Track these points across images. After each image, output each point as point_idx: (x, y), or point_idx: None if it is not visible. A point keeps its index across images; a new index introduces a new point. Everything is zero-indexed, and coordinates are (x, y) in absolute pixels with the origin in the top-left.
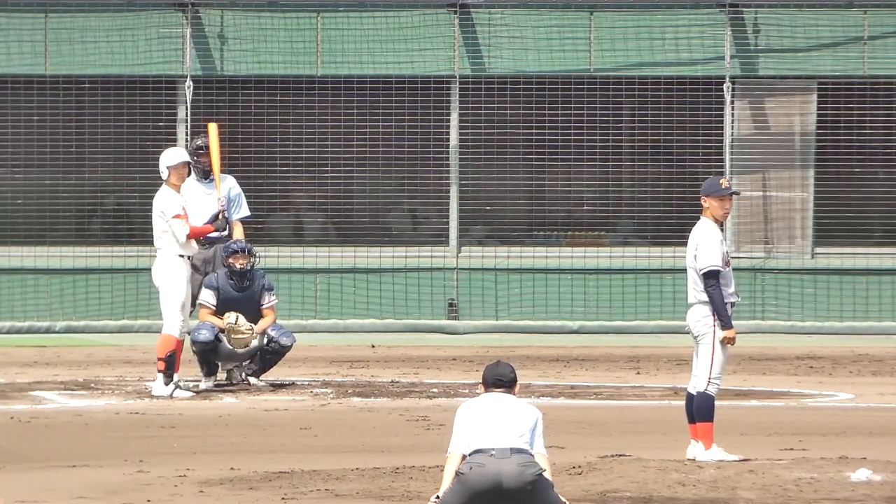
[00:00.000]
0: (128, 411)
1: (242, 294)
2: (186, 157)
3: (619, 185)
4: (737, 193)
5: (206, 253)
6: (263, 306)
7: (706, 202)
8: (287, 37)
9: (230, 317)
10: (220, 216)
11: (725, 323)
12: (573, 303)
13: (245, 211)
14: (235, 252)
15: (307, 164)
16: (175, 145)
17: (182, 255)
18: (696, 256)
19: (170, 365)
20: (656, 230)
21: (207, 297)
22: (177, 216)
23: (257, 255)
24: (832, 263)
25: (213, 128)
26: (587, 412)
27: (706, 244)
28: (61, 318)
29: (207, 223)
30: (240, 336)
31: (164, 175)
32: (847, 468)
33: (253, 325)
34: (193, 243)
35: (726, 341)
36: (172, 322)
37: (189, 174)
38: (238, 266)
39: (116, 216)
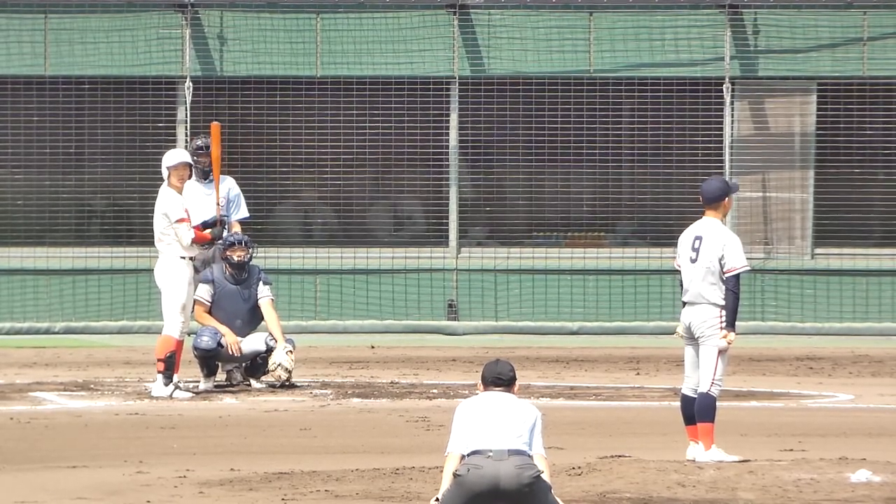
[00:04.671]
0: (127, 412)
1: (239, 287)
2: (186, 158)
3: (619, 186)
4: (737, 187)
5: (206, 254)
6: (261, 298)
7: (724, 202)
8: (287, 38)
9: (286, 360)
10: (218, 223)
11: (732, 324)
12: (573, 304)
13: (244, 212)
14: (233, 244)
15: (307, 165)
16: (175, 146)
17: (184, 257)
18: (723, 257)
19: (169, 366)
20: (656, 231)
21: (203, 292)
22: (181, 220)
23: (255, 247)
24: (832, 264)
25: (215, 128)
26: (587, 413)
27: (735, 244)
28: (61, 318)
29: (204, 223)
30: (281, 373)
31: (165, 176)
32: (847, 469)
33: (291, 364)
34: (195, 245)
35: (730, 343)
36: (173, 323)
37: (190, 175)
38: (236, 258)
39: (116, 217)
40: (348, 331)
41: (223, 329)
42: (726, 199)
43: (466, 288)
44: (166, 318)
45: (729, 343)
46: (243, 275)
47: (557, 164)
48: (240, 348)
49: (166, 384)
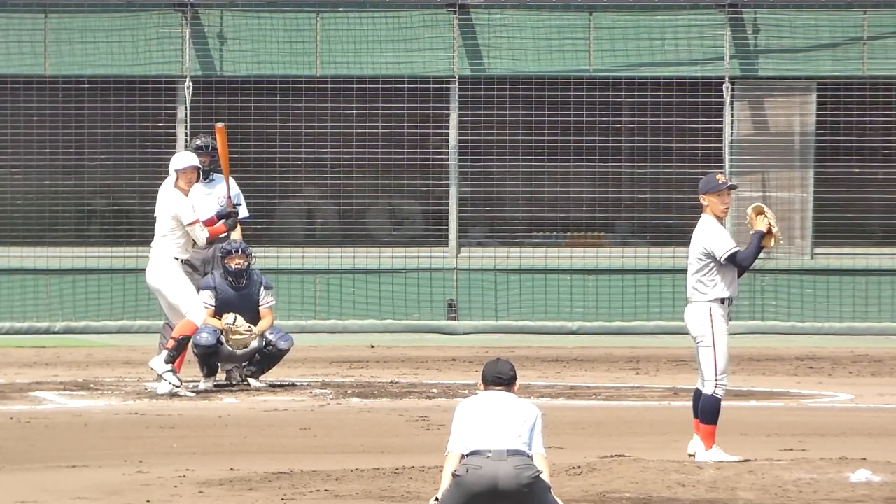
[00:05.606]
0: (127, 412)
1: (240, 293)
2: (195, 162)
3: (619, 186)
4: (734, 187)
5: (205, 253)
6: (261, 307)
7: (705, 200)
8: (287, 37)
9: (228, 318)
10: (231, 216)
11: (760, 238)
12: (572, 303)
13: (244, 212)
14: (231, 252)
15: (306, 164)
16: (175, 146)
17: (177, 258)
18: (705, 248)
19: (179, 346)
20: (655, 231)
21: (206, 297)
22: (193, 221)
23: (253, 255)
24: (832, 264)
25: (220, 131)
26: (586, 413)
27: (714, 234)
28: (61, 318)
29: (218, 214)
30: (238, 337)
31: (173, 178)
32: (847, 469)
33: (252, 325)
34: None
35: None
36: (195, 309)
37: (198, 179)
38: (234, 266)
39: (116, 217)
40: (348, 330)
41: (218, 324)
42: (709, 194)
43: (466, 288)
44: (186, 307)
45: (766, 223)
46: (242, 282)
47: (557, 163)
48: (250, 328)
49: (167, 361)
